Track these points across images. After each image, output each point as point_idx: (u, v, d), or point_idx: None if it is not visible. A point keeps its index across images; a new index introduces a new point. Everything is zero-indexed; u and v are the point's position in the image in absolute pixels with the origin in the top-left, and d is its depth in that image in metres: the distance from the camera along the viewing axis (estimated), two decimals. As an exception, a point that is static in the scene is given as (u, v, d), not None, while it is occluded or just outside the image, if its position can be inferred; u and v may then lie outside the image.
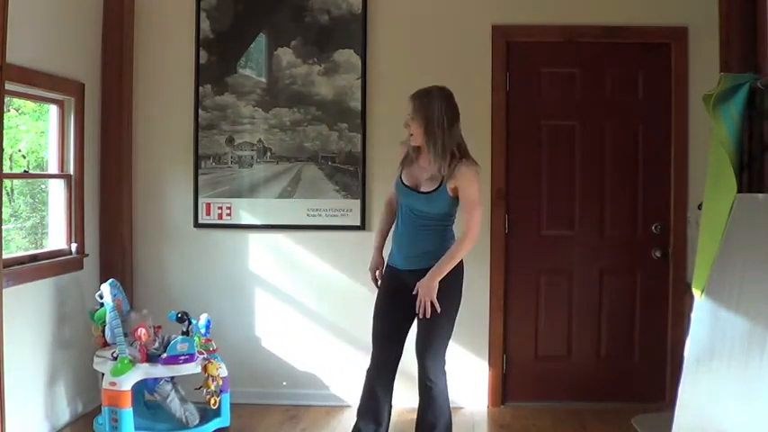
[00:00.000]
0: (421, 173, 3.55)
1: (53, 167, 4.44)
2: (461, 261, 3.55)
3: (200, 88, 4.81)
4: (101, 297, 4.14)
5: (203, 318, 4.20)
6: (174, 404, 4.12)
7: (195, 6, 4.79)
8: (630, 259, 4.77)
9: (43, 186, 4.66)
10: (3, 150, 3.46)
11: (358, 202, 4.76)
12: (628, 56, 4.72)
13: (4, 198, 4.11)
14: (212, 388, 4.04)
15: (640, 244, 4.76)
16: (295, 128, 4.81)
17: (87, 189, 4.57)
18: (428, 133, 3.46)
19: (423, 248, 3.55)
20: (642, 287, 4.77)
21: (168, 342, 4.07)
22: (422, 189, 3.52)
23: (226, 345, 4.46)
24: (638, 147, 4.74)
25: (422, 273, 3.48)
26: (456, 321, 3.61)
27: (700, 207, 3.86)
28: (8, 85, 3.58)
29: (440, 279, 3.44)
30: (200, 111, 4.81)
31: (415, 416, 3.73)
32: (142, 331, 3.95)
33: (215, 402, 4.07)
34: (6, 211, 4.35)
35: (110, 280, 4.21)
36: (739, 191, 3.45)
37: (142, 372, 3.96)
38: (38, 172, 4.77)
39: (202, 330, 4.16)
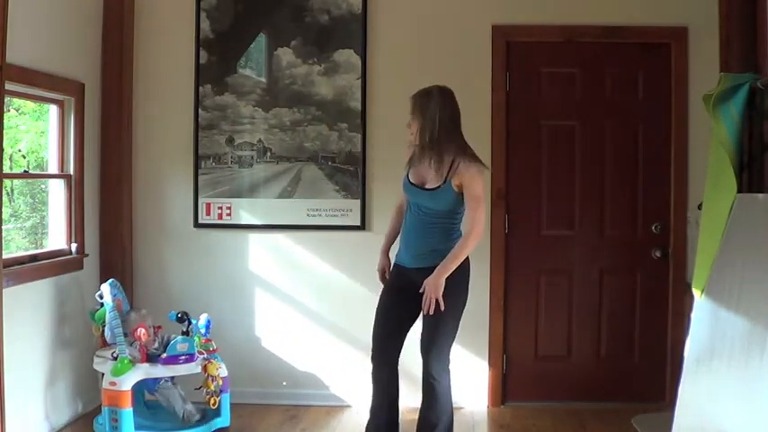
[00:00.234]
0: (426, 171, 3.58)
1: (53, 167, 4.44)
2: (468, 260, 3.57)
3: (201, 88, 4.81)
4: (101, 297, 4.14)
5: (203, 318, 4.19)
6: (178, 404, 4.13)
7: (195, 6, 4.79)
8: (630, 259, 4.77)
9: (43, 186, 4.66)
10: (3, 150, 3.46)
11: (358, 202, 4.76)
12: (628, 56, 4.72)
13: (4, 198, 4.12)
14: (212, 388, 4.04)
15: (640, 244, 4.76)
16: (295, 128, 4.81)
17: (87, 189, 4.57)
18: (429, 132, 3.50)
19: (430, 246, 3.57)
20: (642, 287, 4.77)
21: (168, 342, 4.07)
22: (427, 186, 3.55)
23: (226, 345, 4.46)
24: (638, 147, 4.74)
25: (429, 271, 3.50)
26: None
27: (700, 207, 3.86)
28: (8, 85, 3.58)
29: (446, 276, 3.45)
30: (200, 111, 4.81)
31: (417, 414, 3.75)
32: (142, 331, 3.95)
33: (215, 402, 4.07)
34: (6, 211, 4.35)
35: (110, 280, 4.21)
36: (739, 191, 3.45)
37: (142, 372, 3.96)
38: (38, 172, 4.77)
39: (202, 330, 4.16)
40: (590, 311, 4.79)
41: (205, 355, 4.09)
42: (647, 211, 4.75)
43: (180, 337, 4.06)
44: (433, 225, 3.58)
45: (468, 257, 3.58)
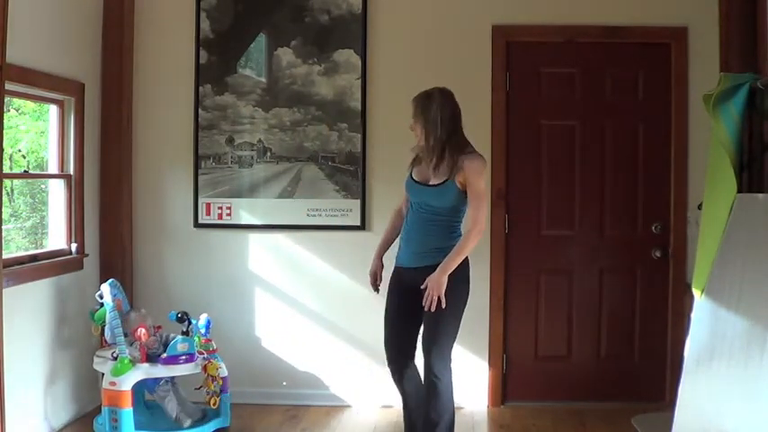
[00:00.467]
0: (430, 169, 3.61)
1: (53, 167, 4.44)
2: (467, 258, 3.58)
3: (200, 88, 4.81)
4: (101, 297, 4.14)
5: (203, 318, 4.20)
6: (172, 405, 4.12)
7: (195, 6, 4.79)
8: (630, 259, 4.77)
9: (43, 186, 4.66)
10: (3, 150, 3.46)
11: (358, 202, 4.76)
12: (628, 56, 4.72)
13: (4, 198, 4.12)
14: (212, 388, 4.05)
15: (640, 244, 4.76)
16: (295, 128, 4.81)
17: (87, 189, 4.57)
18: (432, 133, 3.55)
19: (431, 244, 3.59)
20: (642, 287, 4.77)
21: (168, 342, 4.07)
22: (431, 182, 3.58)
23: (226, 345, 4.46)
24: (638, 147, 4.74)
25: (429, 269, 3.51)
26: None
27: (700, 207, 3.86)
28: (8, 85, 3.58)
29: (449, 273, 3.47)
30: (200, 111, 4.81)
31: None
32: (142, 331, 3.95)
33: (215, 402, 4.07)
34: (6, 211, 4.35)
35: (110, 280, 4.21)
36: (739, 191, 3.45)
37: (142, 372, 3.96)
38: (38, 172, 4.77)
39: (202, 330, 4.16)
40: (590, 311, 4.79)
41: (205, 355, 4.09)
42: (647, 211, 4.75)
43: (180, 337, 4.06)
44: (434, 223, 3.60)
45: (468, 256, 3.59)
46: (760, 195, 3.37)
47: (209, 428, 4.14)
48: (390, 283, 3.77)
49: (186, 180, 4.83)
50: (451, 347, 3.58)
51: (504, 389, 4.80)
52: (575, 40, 4.72)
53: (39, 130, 4.79)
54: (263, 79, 4.81)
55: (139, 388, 4.11)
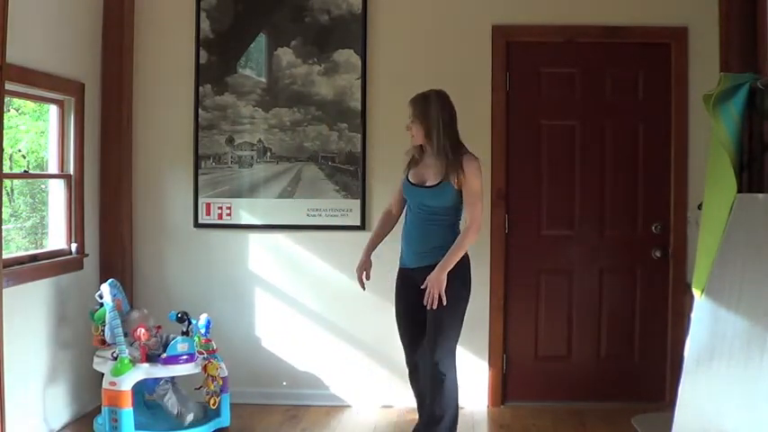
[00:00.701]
0: (426, 170, 3.70)
1: (53, 167, 4.44)
2: (467, 256, 3.65)
3: (201, 88, 4.81)
4: (101, 297, 4.14)
5: (203, 318, 4.19)
6: (171, 401, 4.12)
7: (195, 6, 4.78)
8: (630, 259, 4.77)
9: (43, 186, 4.66)
10: (3, 150, 3.46)
11: (358, 202, 4.76)
12: (628, 56, 4.72)
13: (4, 198, 4.12)
14: (212, 388, 4.04)
15: (640, 244, 4.76)
16: (295, 128, 4.81)
17: (87, 189, 4.57)
18: (428, 134, 3.64)
19: (432, 243, 3.65)
20: (642, 287, 4.77)
21: (168, 342, 4.07)
22: (428, 184, 3.66)
23: (226, 345, 4.46)
24: (638, 147, 4.74)
25: (431, 269, 3.58)
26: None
27: (700, 207, 3.86)
28: (8, 85, 3.58)
29: (448, 271, 3.54)
30: (200, 111, 4.81)
31: (417, 414, 3.84)
32: (142, 331, 3.95)
33: (215, 402, 4.07)
34: (6, 211, 4.35)
35: (110, 280, 4.21)
36: (739, 191, 3.45)
37: (142, 372, 3.96)
38: (38, 172, 4.77)
39: (202, 330, 4.16)
40: (590, 311, 4.79)
41: (205, 355, 4.09)
42: (647, 211, 4.75)
43: (180, 337, 4.06)
44: (434, 222, 3.66)
45: (467, 254, 3.65)
46: (760, 195, 3.37)
47: (209, 428, 4.14)
48: (396, 285, 3.85)
49: (186, 180, 4.83)
50: (455, 344, 3.65)
51: (504, 389, 4.80)
52: (575, 40, 4.72)
53: (39, 130, 4.79)
54: (263, 79, 4.81)
55: (139, 388, 4.10)
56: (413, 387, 3.88)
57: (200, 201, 4.82)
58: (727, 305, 3.21)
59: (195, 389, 4.15)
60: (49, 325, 4.20)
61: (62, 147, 4.44)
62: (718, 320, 3.24)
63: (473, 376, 4.73)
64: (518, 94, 4.75)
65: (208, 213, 4.83)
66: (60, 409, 4.30)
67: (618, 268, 4.78)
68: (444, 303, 3.52)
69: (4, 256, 3.55)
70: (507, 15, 4.70)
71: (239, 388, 4.55)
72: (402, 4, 4.76)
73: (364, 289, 3.93)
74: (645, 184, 4.74)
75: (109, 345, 4.10)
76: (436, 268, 3.55)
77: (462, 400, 4.64)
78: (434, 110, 3.62)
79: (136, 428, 3.92)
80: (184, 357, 4.00)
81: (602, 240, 4.78)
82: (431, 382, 3.62)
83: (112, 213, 4.73)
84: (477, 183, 3.62)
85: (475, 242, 3.65)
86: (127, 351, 3.95)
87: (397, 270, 3.84)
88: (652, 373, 4.75)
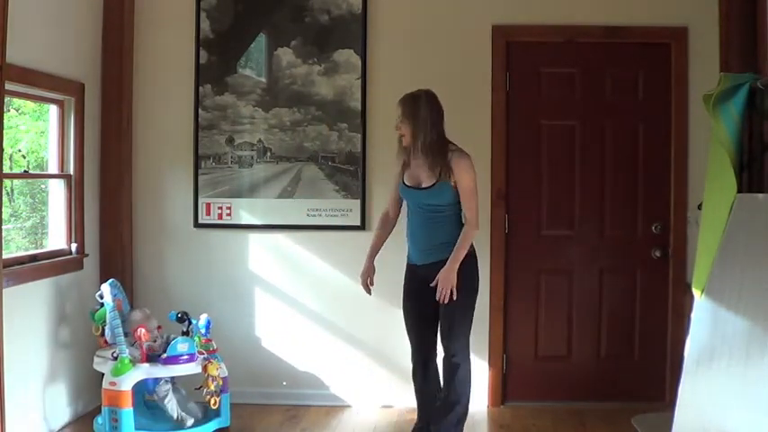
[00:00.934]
0: (419, 171, 3.75)
1: (53, 167, 4.44)
2: (473, 248, 3.76)
3: (200, 88, 4.81)
4: (101, 297, 4.13)
5: (203, 318, 4.19)
6: (172, 404, 4.12)
7: (195, 6, 4.78)
8: (630, 259, 4.77)
9: (43, 186, 4.66)
10: (3, 150, 3.46)
11: (358, 202, 4.76)
12: (628, 56, 4.72)
13: (4, 198, 4.11)
14: (212, 388, 4.04)
15: (640, 244, 4.76)
16: (295, 128, 4.81)
17: (87, 189, 4.56)
18: (418, 133, 3.70)
19: (437, 239, 3.73)
20: (642, 287, 4.77)
21: (168, 342, 4.07)
22: (423, 185, 3.72)
23: (226, 345, 4.46)
24: (638, 147, 4.74)
25: (439, 265, 3.68)
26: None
27: (700, 207, 3.86)
28: (8, 85, 3.58)
29: (457, 267, 3.64)
30: (200, 111, 4.81)
31: (416, 414, 3.89)
32: (142, 331, 3.95)
33: (215, 402, 4.07)
34: (6, 211, 4.34)
35: (110, 280, 4.20)
36: (739, 191, 3.45)
37: (142, 372, 3.96)
38: (38, 172, 4.77)
39: (202, 330, 4.16)
40: (590, 311, 4.79)
41: (205, 355, 4.09)
42: (647, 211, 4.74)
43: (180, 338, 4.06)
44: (436, 219, 3.74)
45: (473, 246, 3.76)
46: (760, 195, 3.37)
47: (209, 428, 4.14)
48: (405, 281, 3.92)
49: (186, 180, 4.83)
50: (469, 335, 3.79)
51: (504, 389, 4.80)
52: (575, 40, 4.72)
53: (39, 130, 4.79)
54: (263, 79, 4.81)
55: (139, 388, 4.10)
56: (415, 384, 3.91)
57: (200, 201, 4.82)
58: (727, 305, 3.21)
59: (195, 389, 4.15)
60: (49, 325, 4.20)
61: (62, 147, 4.44)
62: (718, 320, 3.24)
63: (473, 376, 4.72)
64: (518, 94, 4.75)
65: (208, 213, 4.83)
66: (60, 409, 4.30)
67: (618, 268, 4.78)
68: (455, 298, 3.63)
69: (4, 256, 3.55)
70: (507, 15, 4.70)
71: (239, 388, 4.55)
72: (402, 4, 4.76)
73: (370, 294, 4.00)
74: (645, 184, 4.74)
75: (109, 345, 4.10)
76: (446, 265, 3.63)
77: (462, 400, 4.66)
78: (424, 110, 3.68)
79: (136, 429, 3.92)
80: (185, 357, 4.00)
81: (602, 240, 4.78)
82: (446, 372, 3.75)
83: (112, 213, 4.73)
84: (468, 178, 3.69)
85: (476, 236, 3.73)
86: (127, 351, 3.94)
87: (405, 266, 3.90)
88: (652, 373, 4.74)
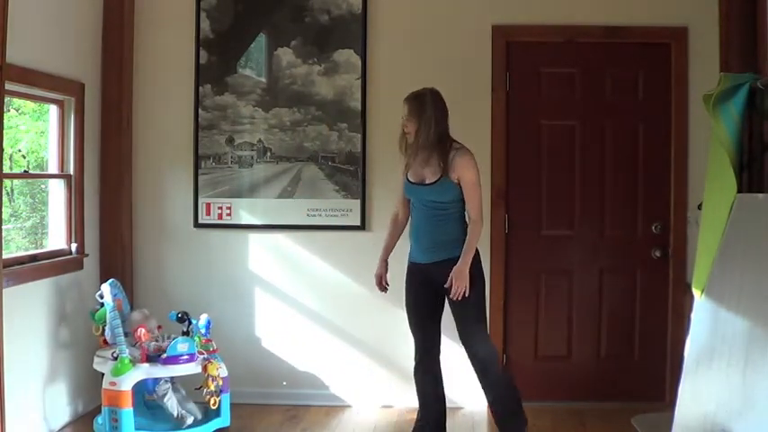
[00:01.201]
0: (423, 168, 3.79)
1: (53, 167, 4.44)
2: (477, 248, 3.79)
3: (200, 88, 4.81)
4: (101, 297, 4.13)
5: (203, 318, 4.19)
6: (171, 402, 4.12)
7: (195, 6, 4.78)
8: (630, 259, 4.77)
9: (43, 186, 4.66)
10: (3, 150, 3.46)
11: (358, 202, 4.76)
12: (628, 56, 4.72)
13: (4, 198, 4.12)
14: (212, 388, 4.04)
15: (640, 244, 4.76)
16: (295, 128, 4.81)
17: (87, 189, 4.56)
18: (426, 132, 3.73)
19: (441, 237, 3.77)
20: (642, 287, 4.77)
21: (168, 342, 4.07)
22: (427, 181, 3.77)
23: (226, 345, 4.46)
24: (638, 147, 4.74)
25: (444, 263, 3.71)
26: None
27: (700, 207, 3.86)
28: (8, 85, 3.58)
29: (469, 265, 3.69)
30: (200, 111, 4.81)
31: (416, 415, 3.93)
32: (142, 331, 3.95)
33: (215, 402, 4.07)
34: (6, 211, 4.35)
35: (110, 280, 4.20)
36: (739, 191, 3.45)
37: (142, 372, 3.96)
38: (38, 172, 4.77)
39: (202, 330, 4.16)
40: (590, 311, 4.79)
41: (205, 355, 4.09)
42: (647, 211, 4.75)
43: (180, 338, 4.06)
44: (441, 216, 3.77)
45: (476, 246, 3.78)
46: (760, 195, 3.36)
47: (209, 428, 4.14)
48: (407, 279, 3.93)
49: (186, 180, 4.83)
50: (486, 327, 3.88)
51: (504, 389, 4.79)
52: (575, 40, 4.72)
53: (39, 130, 4.79)
54: (263, 79, 4.81)
55: (139, 388, 4.10)
56: (416, 381, 3.91)
57: (200, 201, 4.82)
58: (728, 305, 3.20)
59: (195, 389, 4.15)
60: (49, 325, 4.20)
61: (62, 147, 4.44)
62: (718, 320, 3.24)
63: (473, 376, 4.72)
64: (518, 93, 4.75)
65: (208, 213, 4.83)
66: (60, 408, 4.30)
67: (618, 268, 4.78)
68: (468, 295, 3.68)
69: (4, 256, 3.55)
70: (507, 15, 4.70)
71: (239, 388, 4.55)
72: (402, 4, 4.76)
73: (385, 292, 4.02)
74: (645, 184, 4.74)
75: (109, 345, 4.10)
76: (459, 264, 3.67)
77: (462, 400, 4.67)
78: (429, 108, 3.72)
79: (136, 429, 3.92)
80: (184, 357, 4.00)
81: (602, 240, 4.78)
82: (480, 377, 3.84)
83: (112, 213, 4.73)
84: (471, 174, 3.73)
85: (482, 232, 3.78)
86: (127, 351, 3.94)
87: (407, 264, 3.91)
88: (652, 373, 4.74)
